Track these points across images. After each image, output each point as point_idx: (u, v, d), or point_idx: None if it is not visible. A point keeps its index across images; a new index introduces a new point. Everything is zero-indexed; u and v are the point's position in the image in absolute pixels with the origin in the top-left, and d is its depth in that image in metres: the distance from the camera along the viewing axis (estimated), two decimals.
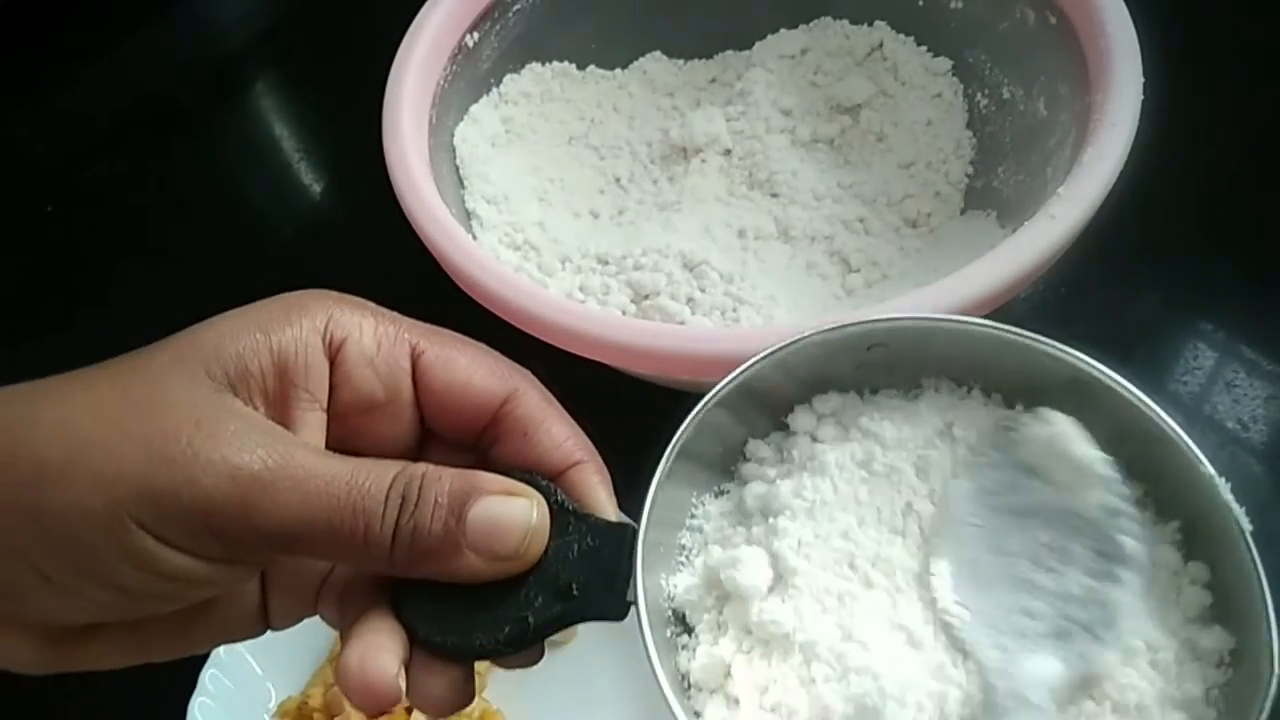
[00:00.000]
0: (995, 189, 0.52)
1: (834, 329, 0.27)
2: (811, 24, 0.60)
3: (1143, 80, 0.42)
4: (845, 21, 0.59)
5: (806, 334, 0.27)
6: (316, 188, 0.73)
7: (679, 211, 0.53)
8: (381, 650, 0.25)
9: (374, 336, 0.26)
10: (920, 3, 0.56)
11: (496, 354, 0.28)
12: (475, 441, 0.28)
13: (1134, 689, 0.23)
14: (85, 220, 0.73)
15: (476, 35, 0.54)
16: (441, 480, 0.24)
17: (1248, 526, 0.23)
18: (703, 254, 0.50)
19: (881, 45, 0.58)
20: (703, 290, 0.49)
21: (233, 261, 0.67)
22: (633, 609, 0.25)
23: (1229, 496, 0.23)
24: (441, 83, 0.52)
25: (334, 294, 0.27)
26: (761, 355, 0.27)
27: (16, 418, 0.23)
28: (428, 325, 0.28)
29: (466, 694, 0.26)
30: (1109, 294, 0.56)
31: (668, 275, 0.49)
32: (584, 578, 0.25)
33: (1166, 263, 0.57)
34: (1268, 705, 0.21)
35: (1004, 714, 0.23)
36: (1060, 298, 0.55)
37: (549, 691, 0.47)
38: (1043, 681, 0.23)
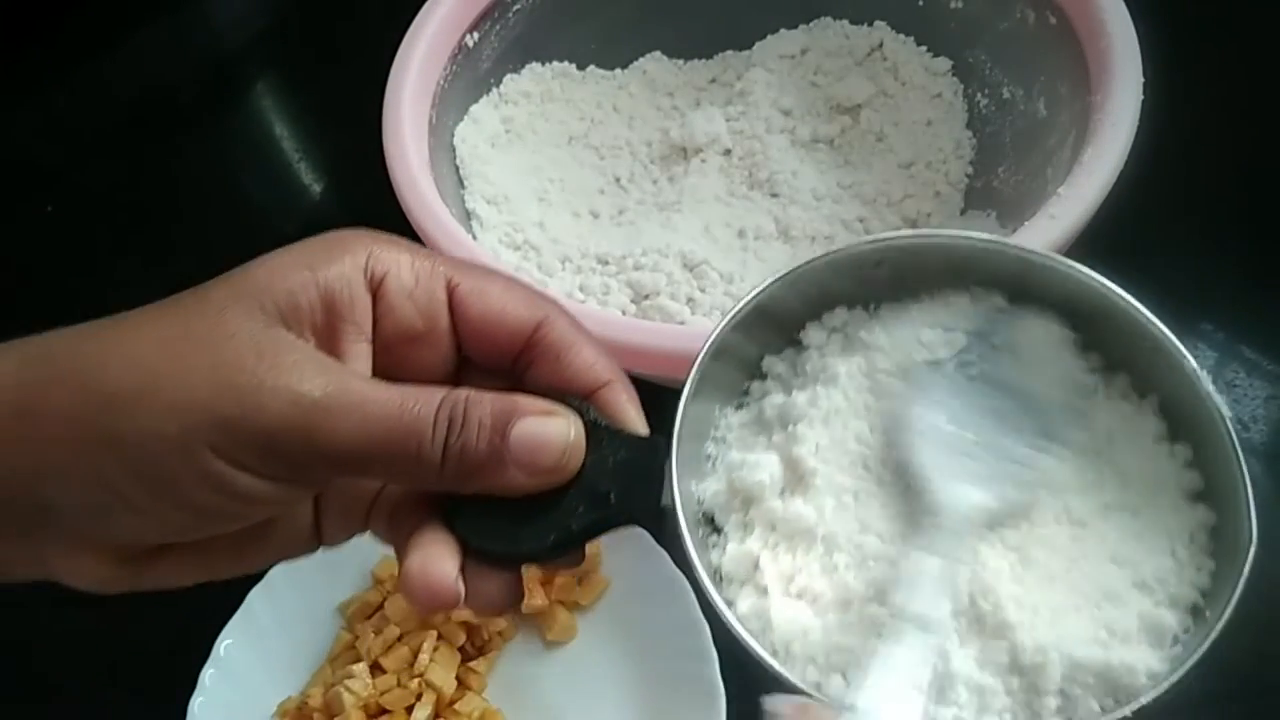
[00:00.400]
0: (995, 189, 0.52)
1: (840, 251, 0.29)
2: (811, 24, 0.60)
3: (1143, 80, 0.42)
4: (845, 21, 0.59)
5: (816, 258, 0.29)
6: (316, 188, 0.73)
7: (679, 211, 0.53)
8: (441, 557, 0.26)
9: (412, 270, 0.28)
10: (920, 3, 0.56)
11: (527, 284, 0.29)
12: (510, 368, 0.29)
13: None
14: (85, 220, 0.73)
15: (476, 35, 0.54)
16: (484, 403, 0.26)
17: (1228, 413, 0.24)
18: (703, 254, 0.50)
19: (881, 45, 0.58)
20: (703, 290, 0.49)
21: (233, 261, 0.67)
22: (666, 513, 0.27)
23: (1209, 386, 0.25)
24: (441, 83, 0.52)
25: (373, 232, 0.28)
26: (774, 278, 0.29)
27: (86, 353, 0.25)
28: (461, 259, 0.30)
29: (517, 594, 0.28)
30: None
31: (668, 275, 0.49)
32: (620, 486, 0.27)
33: (1166, 263, 0.57)
34: (1245, 573, 0.24)
35: (926, 531, 0.26)
36: None
37: (549, 691, 0.47)
38: (962, 503, 0.26)
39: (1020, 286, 0.29)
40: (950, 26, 0.56)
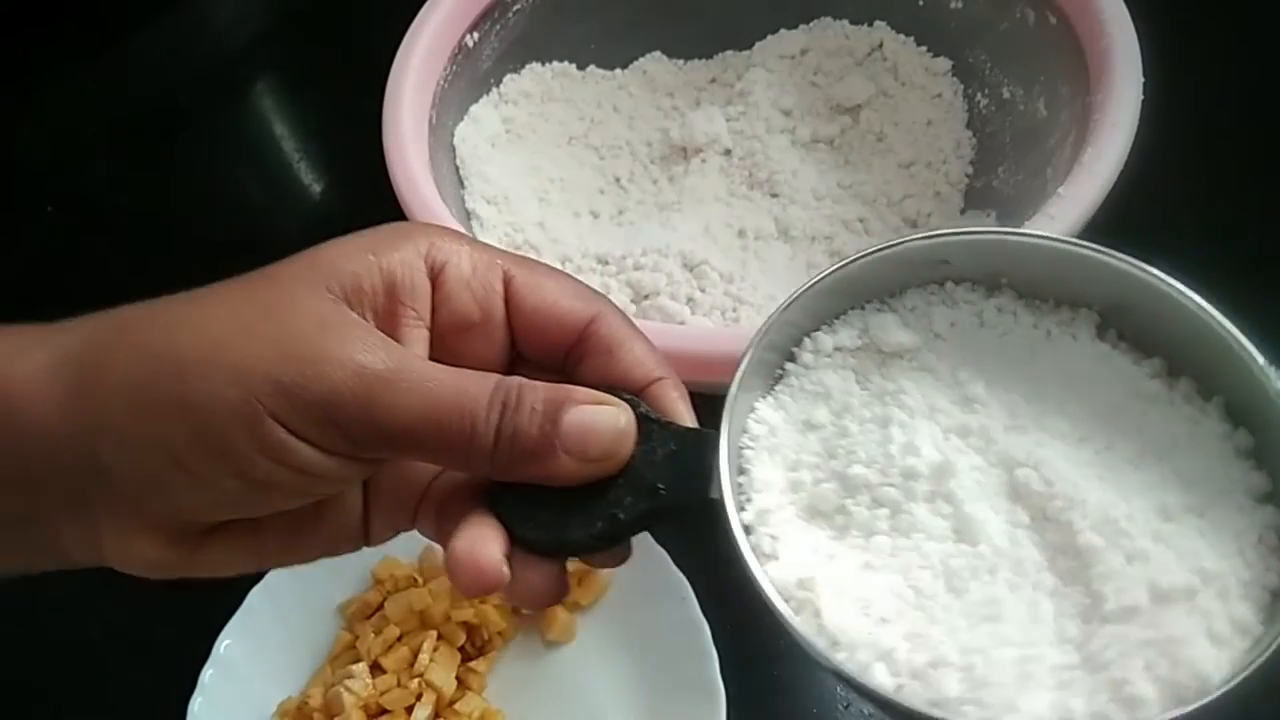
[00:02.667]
0: (995, 189, 0.52)
1: (895, 245, 0.28)
2: (811, 24, 0.60)
3: (1143, 80, 0.42)
4: (845, 21, 0.59)
5: (875, 249, 0.28)
6: (316, 188, 0.73)
7: (679, 211, 0.53)
8: (488, 540, 0.27)
9: (470, 261, 0.28)
10: (920, 3, 0.56)
11: (580, 280, 0.30)
12: (561, 362, 0.29)
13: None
14: (85, 220, 0.73)
15: (476, 35, 0.54)
16: (537, 390, 0.26)
17: None
18: (703, 254, 0.50)
19: (881, 45, 0.58)
20: (703, 290, 0.49)
21: (233, 261, 0.67)
22: (714, 505, 0.27)
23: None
24: (441, 83, 0.52)
25: (435, 225, 0.30)
26: (831, 270, 0.28)
27: (155, 322, 0.26)
28: (518, 254, 0.30)
29: (563, 586, 0.28)
30: None
31: (668, 275, 0.49)
32: (669, 478, 0.27)
33: (1166, 263, 0.56)
34: None
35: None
36: None
37: (549, 691, 0.47)
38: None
39: (1064, 285, 0.28)
40: (950, 26, 0.56)
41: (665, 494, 0.27)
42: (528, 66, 0.59)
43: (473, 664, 0.47)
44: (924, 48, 0.57)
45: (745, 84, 0.58)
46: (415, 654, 0.46)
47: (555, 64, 0.60)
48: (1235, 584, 0.23)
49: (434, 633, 0.47)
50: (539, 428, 0.26)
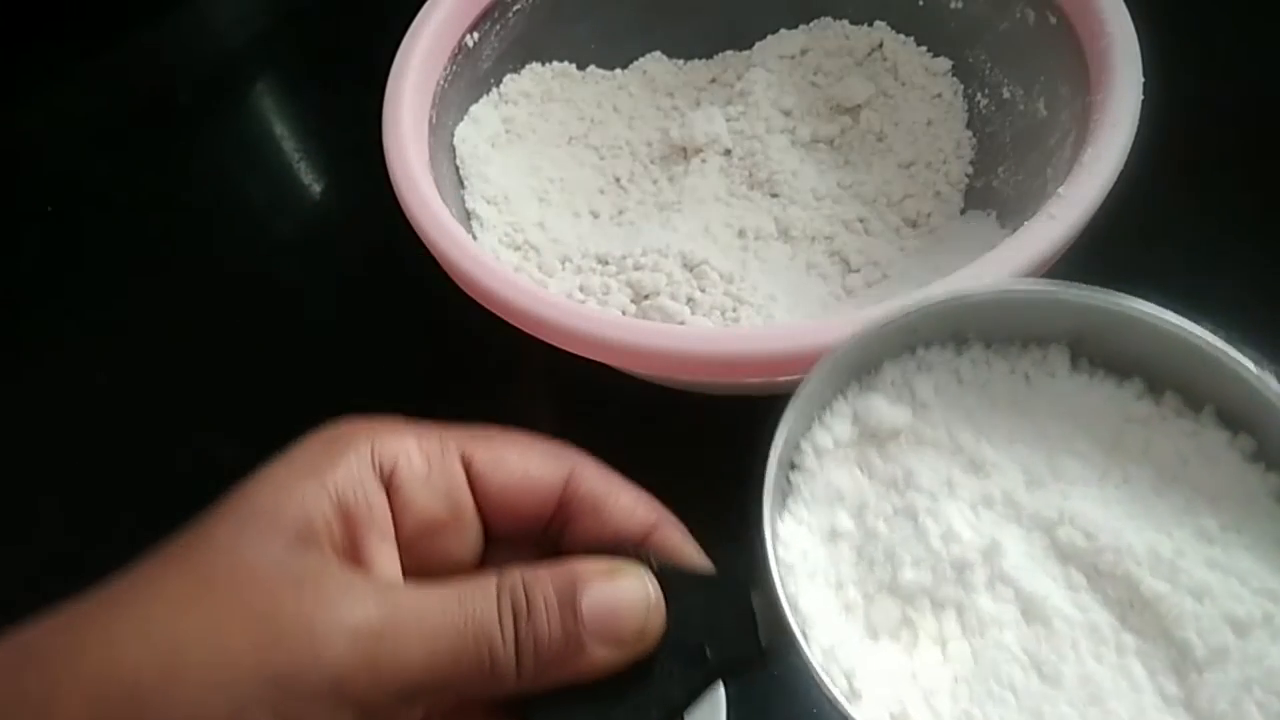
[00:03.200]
0: (995, 189, 0.52)
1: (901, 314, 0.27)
2: (811, 24, 0.60)
3: (1143, 80, 0.42)
4: (845, 21, 0.59)
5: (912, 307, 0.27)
6: (316, 188, 0.73)
7: (679, 211, 0.53)
8: None
9: (422, 455, 0.25)
10: (920, 3, 0.56)
11: (542, 439, 0.27)
12: (540, 534, 0.27)
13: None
14: (85, 220, 0.73)
15: (476, 35, 0.54)
16: (542, 581, 0.23)
17: None
18: (703, 254, 0.50)
19: (881, 45, 0.58)
20: (703, 290, 0.49)
21: (232, 261, 0.67)
22: (773, 651, 0.24)
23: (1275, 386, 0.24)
24: (441, 83, 0.52)
25: (366, 421, 0.25)
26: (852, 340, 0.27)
27: (87, 643, 0.21)
28: (467, 430, 0.27)
29: None
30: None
31: (668, 275, 0.49)
32: (712, 635, 0.24)
33: (1166, 263, 0.57)
34: None
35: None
36: None
37: None
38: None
39: (1028, 326, 0.27)
40: (950, 26, 0.56)
41: (714, 657, 0.24)
42: (528, 66, 0.59)
43: None
44: (924, 48, 0.57)
45: (745, 84, 0.58)
46: None
47: (555, 64, 0.60)
48: None
49: None
50: (560, 626, 0.23)
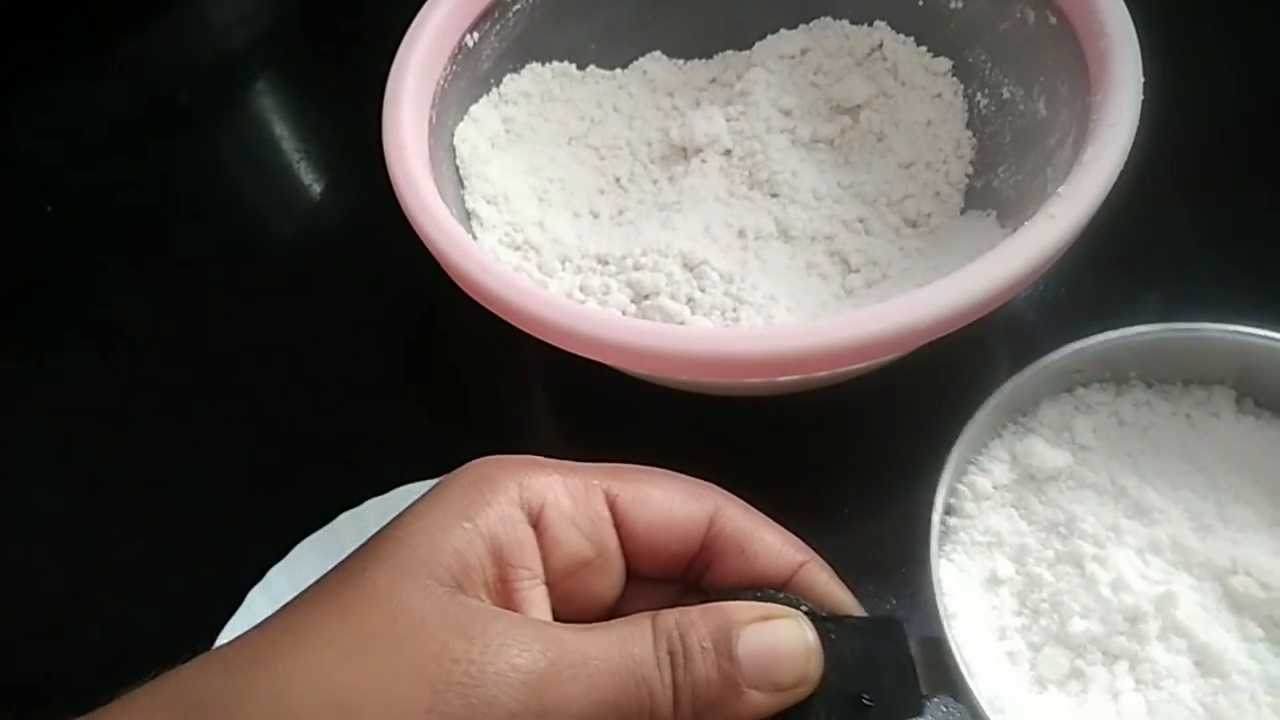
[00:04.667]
0: (995, 189, 0.52)
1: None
2: (811, 24, 0.60)
3: (1143, 80, 0.42)
4: (845, 21, 0.59)
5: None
6: (316, 188, 0.73)
7: (679, 211, 0.53)
8: None
9: (568, 493, 0.25)
10: (920, 3, 0.56)
11: (684, 476, 0.27)
12: (682, 573, 0.27)
13: None
14: (85, 220, 0.73)
15: (476, 35, 0.54)
16: (698, 625, 0.23)
17: None
18: (703, 254, 0.50)
19: (881, 45, 0.58)
20: (703, 290, 0.49)
21: (233, 261, 0.67)
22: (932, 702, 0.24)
23: None
24: (441, 83, 0.52)
25: (512, 458, 0.26)
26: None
27: (251, 693, 0.20)
28: (610, 466, 0.27)
29: None
30: (1109, 294, 0.56)
31: (668, 275, 0.49)
32: (871, 682, 0.23)
33: (1166, 263, 0.57)
34: None
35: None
36: (1060, 298, 0.55)
37: None
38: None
39: (1191, 366, 0.27)
40: (950, 26, 0.56)
41: (874, 706, 0.23)
42: (528, 66, 0.59)
43: None
44: (924, 48, 0.57)
45: (745, 84, 0.58)
46: None
47: (555, 64, 0.60)
48: None
49: None
50: (717, 669, 0.22)
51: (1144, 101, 0.41)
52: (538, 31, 0.58)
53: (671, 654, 0.22)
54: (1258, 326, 0.26)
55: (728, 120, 0.57)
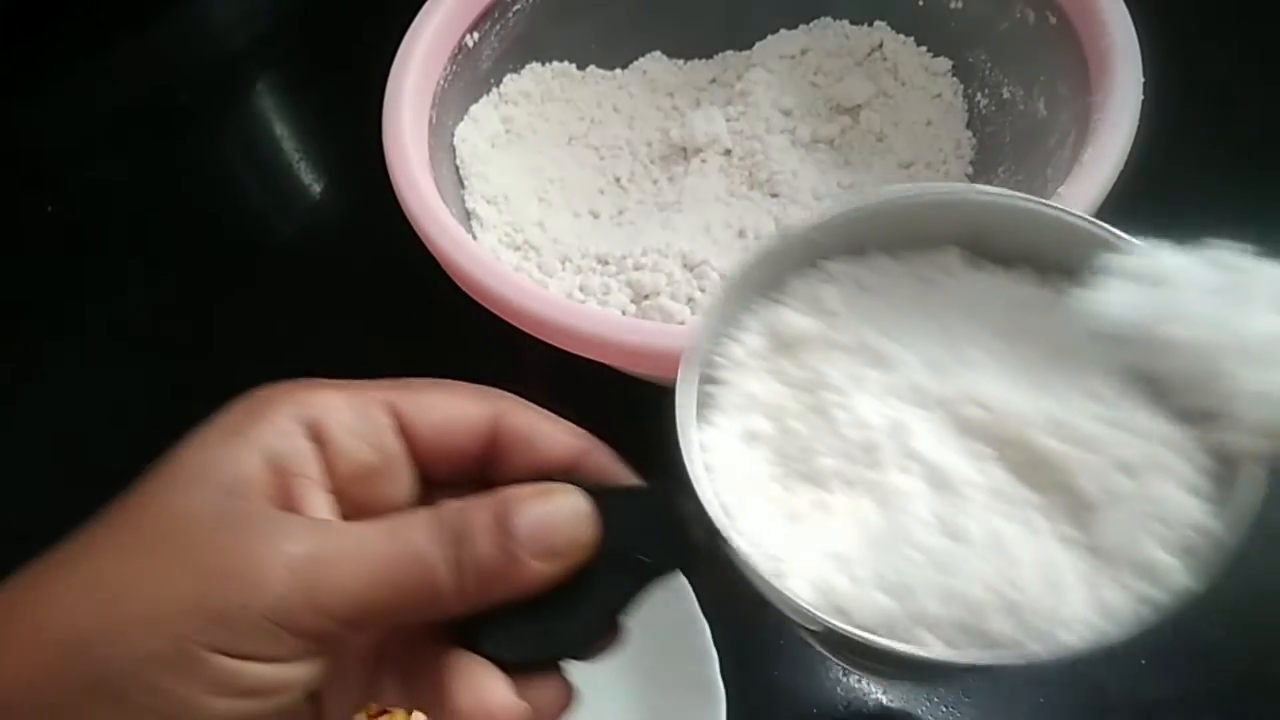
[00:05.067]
0: None
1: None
2: (811, 24, 0.60)
3: (1143, 80, 0.42)
4: (845, 22, 0.59)
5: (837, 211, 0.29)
6: (316, 188, 0.73)
7: (679, 211, 0.53)
8: (489, 683, 0.25)
9: (347, 405, 0.26)
10: (920, 3, 0.56)
11: (468, 384, 0.28)
12: (477, 475, 0.28)
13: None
14: (85, 220, 0.73)
15: (476, 35, 0.54)
16: (478, 508, 0.24)
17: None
18: (703, 254, 0.50)
19: (881, 45, 0.58)
20: (703, 290, 0.49)
21: (233, 261, 0.67)
22: (702, 549, 0.26)
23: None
24: (441, 83, 0.52)
25: (290, 382, 0.26)
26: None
27: (37, 600, 0.22)
28: (394, 380, 0.28)
29: (570, 694, 0.27)
30: None
31: (668, 275, 0.49)
32: (644, 542, 0.26)
33: None
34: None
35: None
36: None
37: None
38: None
39: (922, 231, 0.29)
40: (950, 26, 0.56)
41: (651, 562, 0.26)
42: (528, 66, 0.59)
43: None
44: (924, 48, 0.57)
45: (745, 84, 0.58)
46: None
47: (555, 64, 0.60)
48: (1184, 438, 0.24)
49: None
50: (497, 545, 0.24)
51: (1144, 101, 0.41)
52: (538, 31, 0.58)
53: (452, 536, 0.24)
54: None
55: (728, 120, 0.57)
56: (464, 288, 0.43)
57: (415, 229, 0.45)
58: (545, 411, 0.28)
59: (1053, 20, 0.47)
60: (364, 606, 0.23)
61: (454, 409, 0.27)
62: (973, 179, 0.53)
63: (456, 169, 0.54)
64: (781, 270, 0.29)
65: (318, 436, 0.25)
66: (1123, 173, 0.40)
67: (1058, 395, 0.26)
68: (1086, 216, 0.27)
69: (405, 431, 0.27)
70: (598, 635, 0.27)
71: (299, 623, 0.22)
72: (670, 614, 0.46)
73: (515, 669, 0.26)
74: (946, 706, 0.45)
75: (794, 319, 0.28)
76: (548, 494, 0.25)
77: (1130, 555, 0.23)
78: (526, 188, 0.56)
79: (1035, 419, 0.25)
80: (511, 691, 0.25)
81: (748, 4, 0.60)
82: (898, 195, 0.29)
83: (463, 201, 0.53)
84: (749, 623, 0.47)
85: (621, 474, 0.27)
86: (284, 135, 0.77)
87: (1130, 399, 0.25)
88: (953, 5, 0.55)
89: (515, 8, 0.56)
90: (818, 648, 0.30)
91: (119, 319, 0.66)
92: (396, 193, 0.46)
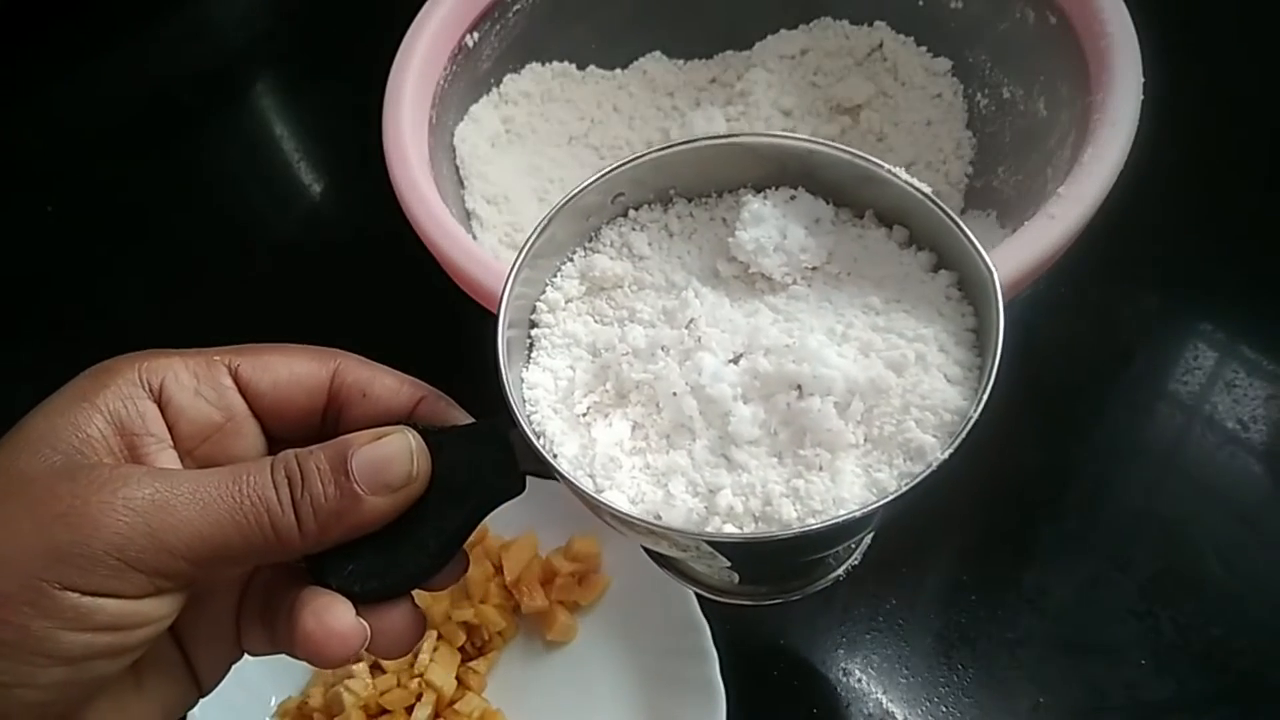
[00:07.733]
0: (995, 189, 0.52)
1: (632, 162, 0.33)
2: (811, 24, 0.60)
3: (1143, 80, 0.42)
4: (845, 22, 0.59)
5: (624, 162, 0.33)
6: (316, 188, 0.73)
7: None
8: (334, 607, 0.26)
9: (188, 369, 0.28)
10: (920, 3, 0.56)
11: (309, 346, 0.30)
12: (321, 430, 0.29)
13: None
14: (85, 220, 0.73)
15: (476, 35, 0.54)
16: (314, 452, 0.26)
17: (995, 269, 0.28)
18: None
19: (881, 45, 0.58)
20: None
21: (233, 261, 0.67)
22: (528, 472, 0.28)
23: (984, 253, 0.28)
24: (441, 83, 0.52)
25: (136, 353, 0.28)
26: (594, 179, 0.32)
27: None
28: (235, 346, 0.30)
29: (421, 621, 0.29)
30: (1109, 294, 0.56)
31: None
32: (477, 474, 0.28)
33: (1166, 263, 0.57)
34: (999, 300, 0.27)
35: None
36: (1060, 297, 0.55)
37: (549, 691, 0.47)
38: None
39: (720, 177, 0.33)
40: (950, 26, 0.56)
41: (478, 494, 0.28)
42: (528, 66, 0.59)
43: (473, 664, 0.47)
44: (924, 48, 0.57)
45: (745, 84, 0.58)
46: (415, 654, 0.46)
47: (555, 64, 0.60)
48: (947, 337, 0.28)
49: (434, 633, 0.47)
50: (334, 484, 0.26)
51: (1144, 101, 0.41)
52: (538, 31, 0.58)
53: (290, 480, 0.25)
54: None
55: (728, 120, 0.57)
56: (464, 288, 0.43)
57: (415, 229, 0.45)
58: (383, 366, 0.30)
59: (1053, 20, 0.47)
60: (207, 545, 0.24)
61: (293, 367, 0.29)
62: (973, 178, 0.53)
63: (456, 169, 0.54)
64: (595, 221, 0.33)
65: (160, 399, 0.27)
66: (1122, 173, 0.40)
67: (840, 311, 0.30)
68: (856, 153, 0.30)
69: (246, 391, 0.29)
70: (440, 564, 0.28)
71: (144, 560, 0.23)
72: (670, 614, 0.46)
73: (366, 600, 0.27)
74: (946, 707, 0.45)
75: (608, 265, 0.32)
76: (381, 435, 0.27)
77: (898, 440, 0.26)
78: (526, 188, 0.56)
79: (818, 326, 0.29)
80: (353, 614, 0.27)
81: (748, 4, 0.60)
82: (694, 139, 0.32)
83: (463, 201, 0.53)
84: (749, 623, 0.47)
85: (458, 416, 0.29)
86: (284, 135, 0.77)
87: (904, 308, 0.29)
88: (953, 5, 0.55)
89: (515, 8, 0.56)
90: (660, 569, 0.33)
91: (119, 319, 0.66)
92: (396, 193, 0.46)
